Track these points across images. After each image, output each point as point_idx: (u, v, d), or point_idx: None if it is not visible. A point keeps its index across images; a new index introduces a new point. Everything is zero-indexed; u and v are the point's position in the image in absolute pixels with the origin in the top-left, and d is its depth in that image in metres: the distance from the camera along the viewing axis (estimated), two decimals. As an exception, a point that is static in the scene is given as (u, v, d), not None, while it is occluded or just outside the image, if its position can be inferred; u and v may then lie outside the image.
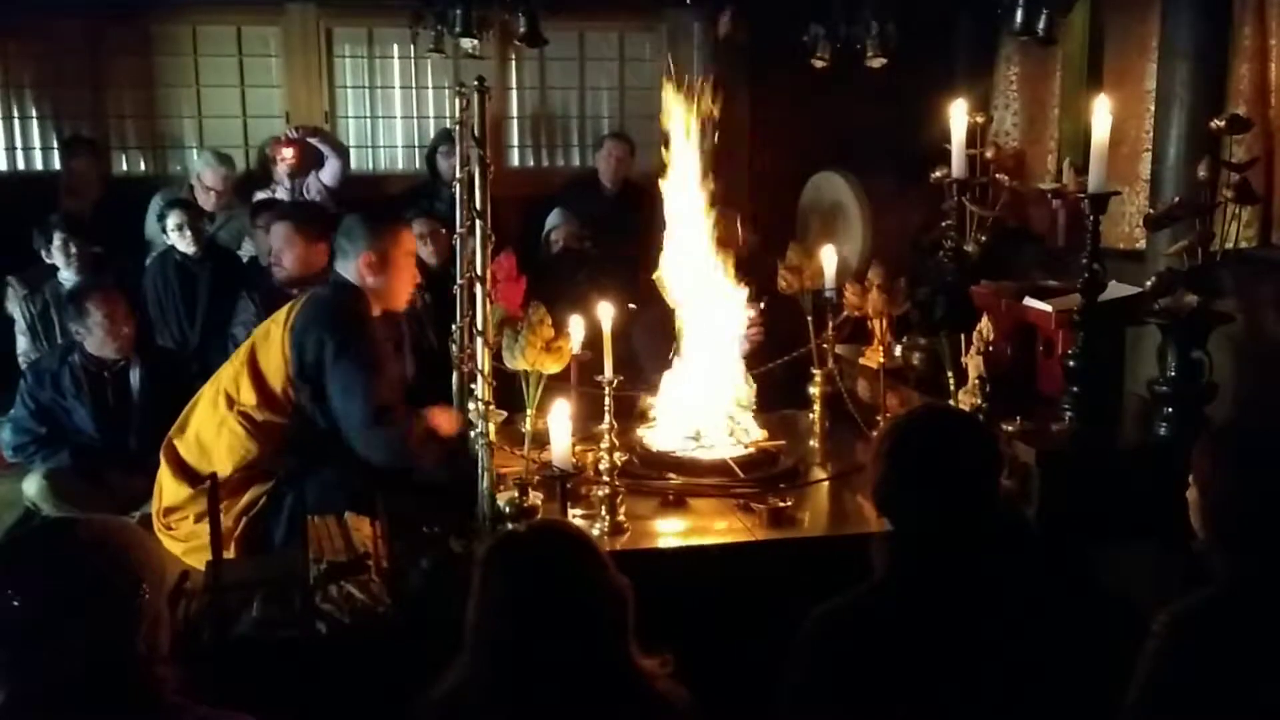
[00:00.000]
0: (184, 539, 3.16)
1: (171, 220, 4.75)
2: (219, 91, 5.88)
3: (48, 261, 4.71)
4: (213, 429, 3.22)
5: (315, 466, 3.15)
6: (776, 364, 3.40)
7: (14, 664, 1.57)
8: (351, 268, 3.30)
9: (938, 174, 3.45)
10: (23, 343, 4.72)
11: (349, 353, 3.14)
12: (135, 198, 5.36)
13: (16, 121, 5.76)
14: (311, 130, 5.37)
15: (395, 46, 5.95)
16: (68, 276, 4.65)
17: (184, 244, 4.74)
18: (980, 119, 3.69)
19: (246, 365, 3.25)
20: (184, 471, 3.24)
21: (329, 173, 5.29)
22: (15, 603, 1.55)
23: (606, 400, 2.64)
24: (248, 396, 3.21)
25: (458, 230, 3.12)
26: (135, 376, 4.14)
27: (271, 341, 3.25)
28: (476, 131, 2.70)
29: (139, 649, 1.61)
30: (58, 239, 4.65)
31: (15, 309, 4.76)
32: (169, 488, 3.25)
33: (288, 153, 5.19)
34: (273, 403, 3.21)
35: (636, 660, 1.74)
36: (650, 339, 3.69)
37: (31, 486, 4.03)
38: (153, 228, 5.10)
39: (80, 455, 4.10)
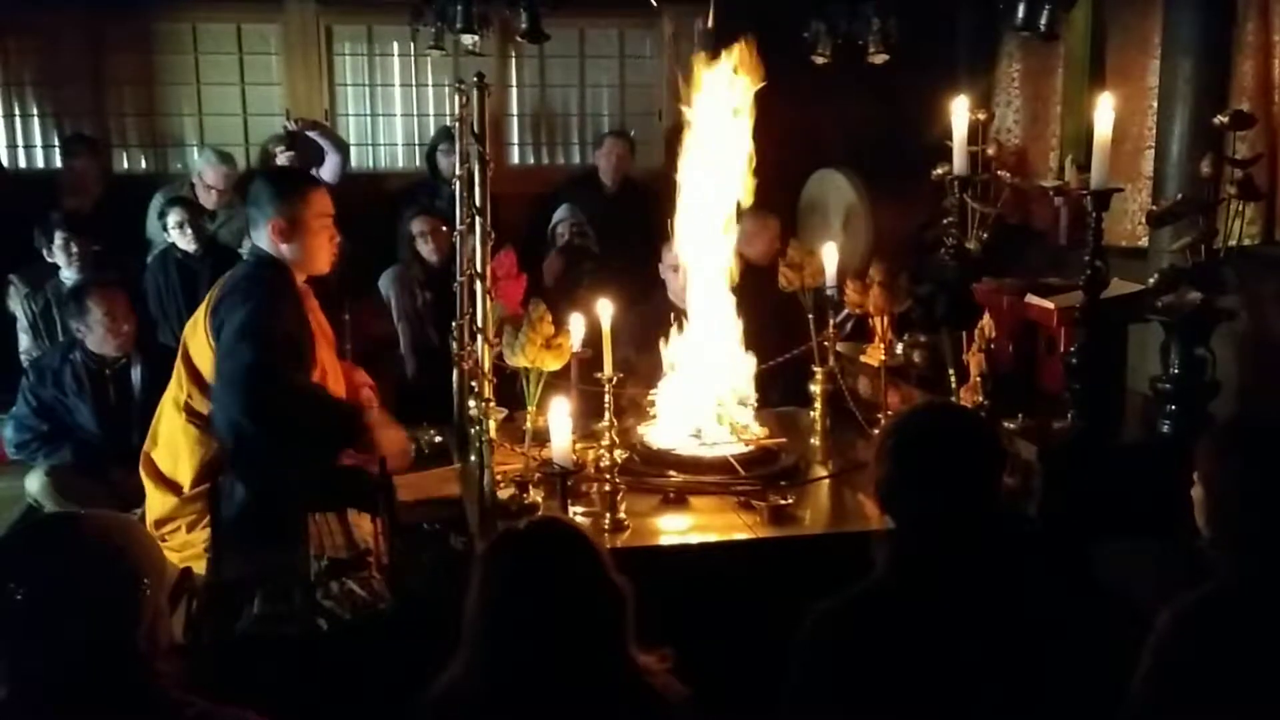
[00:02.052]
0: (178, 549, 3.05)
1: (172, 218, 4.74)
2: (219, 89, 5.88)
3: (49, 260, 4.71)
4: (179, 434, 3.10)
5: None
6: (777, 361, 3.40)
7: (15, 658, 1.57)
8: (263, 237, 3.06)
9: (939, 171, 3.44)
10: (24, 340, 4.73)
11: (254, 315, 2.90)
12: (136, 196, 5.35)
13: (18, 119, 5.75)
14: (310, 124, 5.36)
15: (395, 44, 5.95)
16: (69, 275, 4.65)
17: (185, 242, 4.74)
18: (982, 116, 3.67)
19: (183, 361, 3.10)
20: (165, 482, 3.12)
21: (328, 168, 5.28)
22: (17, 597, 1.55)
23: (607, 398, 2.64)
24: (190, 393, 3.07)
25: (458, 227, 3.12)
26: (136, 374, 4.15)
27: (197, 330, 3.08)
28: (476, 127, 2.70)
29: (140, 645, 1.61)
30: (59, 238, 4.65)
31: (17, 307, 4.76)
32: (154, 500, 3.14)
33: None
34: (211, 393, 3.04)
35: (635, 657, 1.74)
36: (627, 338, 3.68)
37: (34, 483, 4.04)
38: (154, 226, 5.10)
39: (82, 452, 4.11)
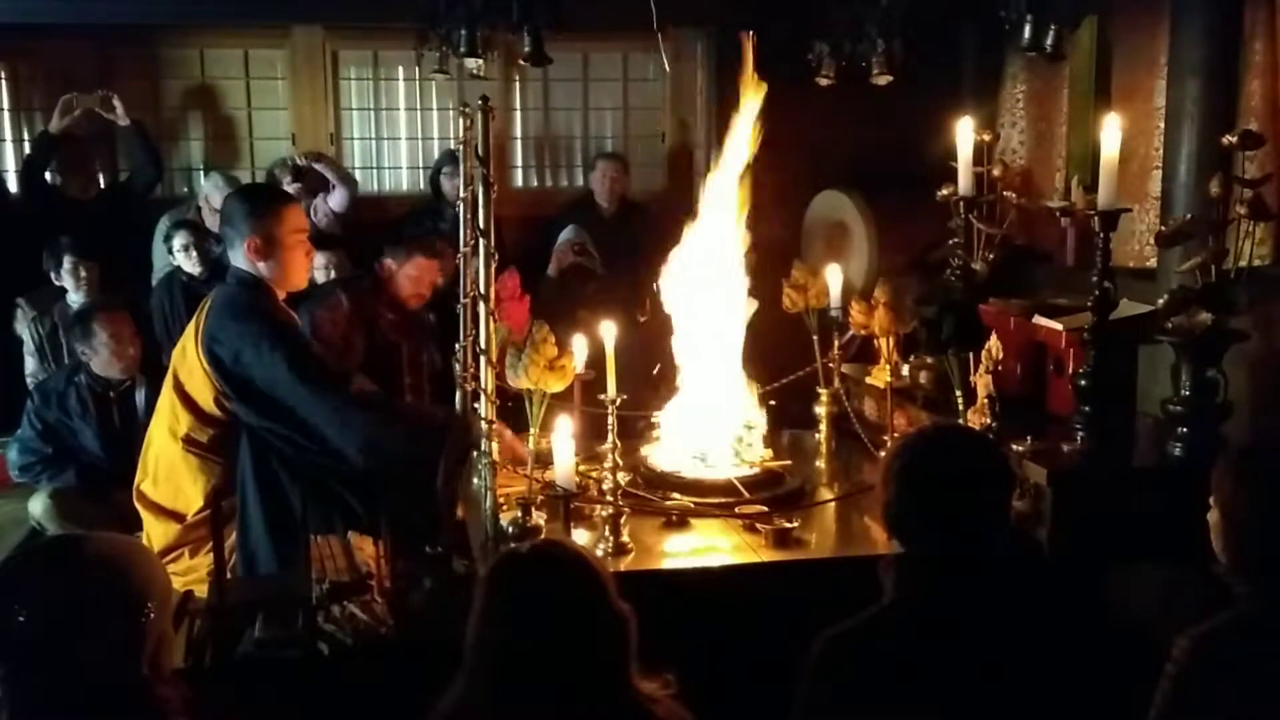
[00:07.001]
0: (182, 573, 3.04)
1: (178, 241, 4.76)
2: (226, 113, 5.91)
3: (57, 284, 4.72)
4: (178, 464, 3.08)
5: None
6: (782, 383, 3.38)
7: (17, 682, 1.56)
8: (240, 256, 3.06)
9: (944, 192, 3.43)
10: (31, 364, 4.74)
11: (267, 341, 2.92)
12: (142, 218, 5.36)
13: (26, 144, 5.77)
14: (316, 156, 5.39)
15: (400, 68, 5.98)
16: (76, 299, 4.66)
17: (190, 265, 4.75)
18: (987, 136, 3.67)
19: (175, 391, 3.07)
20: (165, 513, 3.10)
21: (336, 200, 5.30)
22: (20, 619, 1.54)
23: (610, 419, 2.62)
24: (186, 422, 3.04)
25: (461, 249, 3.11)
26: (141, 397, 4.15)
27: (189, 359, 3.05)
28: (480, 150, 2.70)
29: (143, 668, 1.60)
30: (67, 262, 4.67)
31: (24, 330, 4.78)
32: (156, 532, 3.11)
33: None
34: (210, 419, 3.04)
35: (636, 682, 1.72)
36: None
37: (37, 506, 4.04)
38: (159, 249, 5.11)
39: (86, 475, 4.11)
